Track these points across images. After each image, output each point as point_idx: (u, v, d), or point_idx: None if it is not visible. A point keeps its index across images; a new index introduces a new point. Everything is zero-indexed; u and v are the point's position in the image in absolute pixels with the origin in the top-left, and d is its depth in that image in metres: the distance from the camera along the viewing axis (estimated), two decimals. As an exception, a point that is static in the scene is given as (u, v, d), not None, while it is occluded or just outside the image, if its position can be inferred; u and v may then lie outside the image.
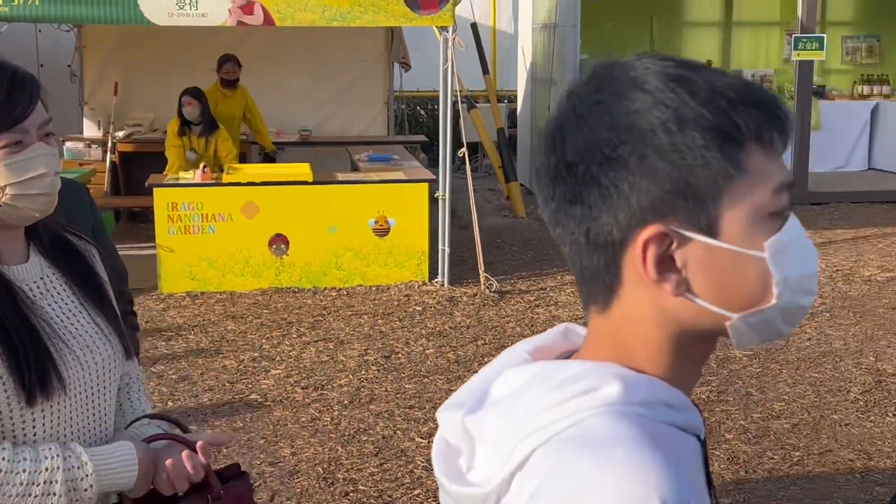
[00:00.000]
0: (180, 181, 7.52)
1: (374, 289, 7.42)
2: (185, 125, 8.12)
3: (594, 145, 0.95)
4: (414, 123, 13.15)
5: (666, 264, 0.95)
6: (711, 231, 0.94)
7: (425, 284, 7.48)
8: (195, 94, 8.09)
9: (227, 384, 5.59)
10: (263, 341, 6.32)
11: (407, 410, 5.17)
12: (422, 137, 11.03)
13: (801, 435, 4.84)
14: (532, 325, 6.56)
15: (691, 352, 1.00)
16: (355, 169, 8.56)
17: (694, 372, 1.02)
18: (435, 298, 7.18)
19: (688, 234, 0.94)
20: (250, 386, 5.57)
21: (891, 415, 5.06)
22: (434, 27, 7.40)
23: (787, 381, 5.54)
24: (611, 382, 0.95)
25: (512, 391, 1.00)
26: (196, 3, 6.94)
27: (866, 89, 12.21)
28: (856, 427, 4.92)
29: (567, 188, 0.97)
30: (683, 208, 0.94)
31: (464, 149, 7.44)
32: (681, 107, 0.94)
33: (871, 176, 11.65)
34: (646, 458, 0.88)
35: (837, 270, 7.81)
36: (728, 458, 4.61)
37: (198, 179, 7.42)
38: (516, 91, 12.41)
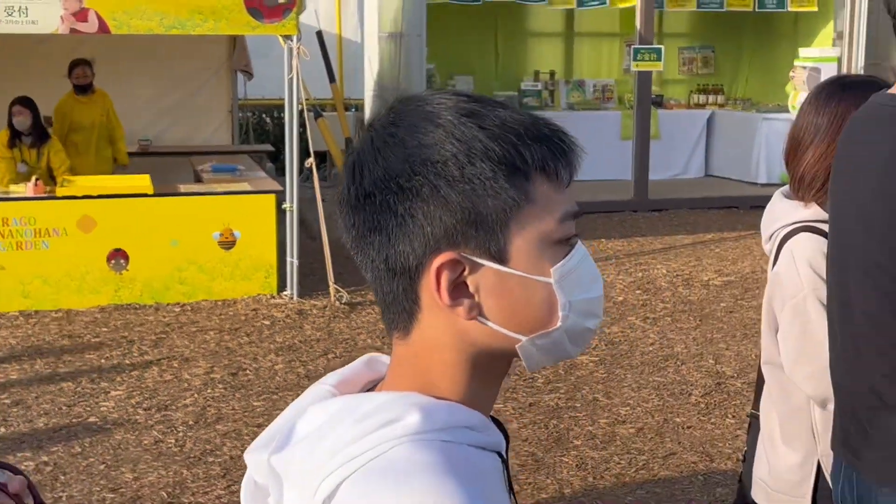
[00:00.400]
0: (11, 195, 7.17)
1: (219, 303, 7.24)
2: (15, 136, 7.74)
3: (390, 176, 1.00)
4: (259, 132, 12.93)
5: (459, 290, 1.00)
6: (501, 258, 1.00)
7: (273, 298, 7.34)
8: (25, 102, 7.72)
9: (65, 407, 5.34)
10: (103, 361, 6.06)
11: (256, 429, 5.03)
12: (268, 147, 10.85)
13: (647, 439, 4.95)
14: (384, 337, 6.51)
15: (488, 373, 1.05)
16: (198, 180, 8.34)
17: (492, 391, 1.07)
18: (284, 312, 7.05)
19: (479, 260, 1.00)
20: (89, 409, 5.33)
21: (730, 416, 5.22)
22: (278, 36, 7.28)
23: (633, 386, 5.66)
24: (411, 412, 0.98)
25: (316, 427, 1.02)
26: (26, 10, 6.63)
27: (702, 98, 12.67)
28: (698, 429, 5.07)
29: (366, 217, 1.02)
30: (474, 236, 1.00)
31: (311, 158, 7.34)
32: (471, 140, 0.99)
33: (709, 182, 12.09)
34: (443, 484, 0.93)
35: (678, 275, 8.06)
36: (577, 465, 4.66)
37: (30, 193, 7.08)
38: (364, 100, 12.36)
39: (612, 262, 8.45)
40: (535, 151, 1.00)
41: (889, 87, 2.28)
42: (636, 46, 10.52)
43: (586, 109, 12.28)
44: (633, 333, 6.62)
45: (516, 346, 1.03)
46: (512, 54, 12.69)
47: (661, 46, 10.75)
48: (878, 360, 2.01)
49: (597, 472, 4.60)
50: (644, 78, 10.63)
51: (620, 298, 7.42)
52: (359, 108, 12.83)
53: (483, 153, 0.99)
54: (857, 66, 10.68)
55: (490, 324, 1.01)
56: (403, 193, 0.99)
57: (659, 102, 12.26)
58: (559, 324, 1.03)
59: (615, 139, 11.94)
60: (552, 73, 12.45)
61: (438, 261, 0.99)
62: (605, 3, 10.69)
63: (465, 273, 1.00)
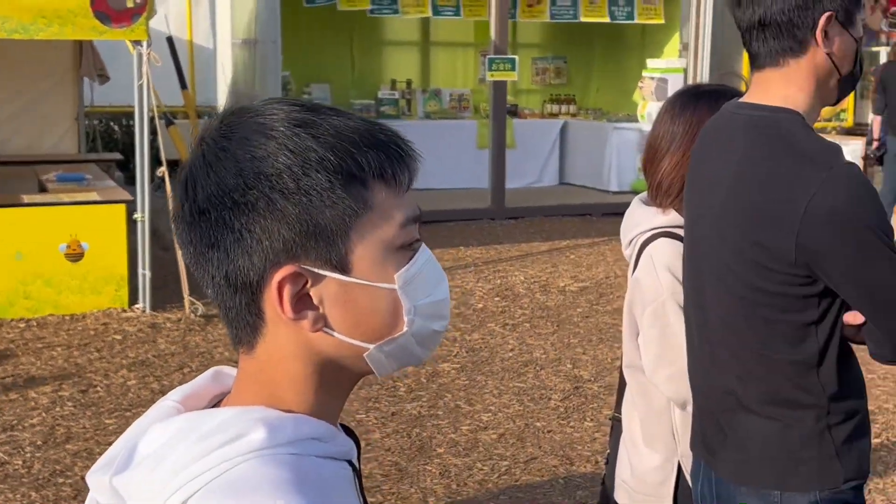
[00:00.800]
0: None
1: (67, 318, 6.95)
2: None
3: (224, 192, 0.98)
4: (108, 141, 12.51)
5: (303, 302, 1.00)
6: (343, 267, 1.00)
7: (125, 311, 7.10)
8: None
9: None
10: (-59, 382, 5.73)
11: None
12: (116, 155, 10.51)
13: (508, 444, 4.98)
14: (240, 349, 6.36)
15: (336, 383, 1.05)
16: (43, 190, 7.99)
17: (341, 400, 1.08)
18: (136, 326, 6.82)
19: (320, 272, 1.00)
20: (-75, 433, 5.03)
21: (589, 420, 5.31)
22: (127, 41, 7.05)
23: (494, 392, 5.70)
24: (256, 427, 0.97)
25: (159, 446, 1.00)
26: None
27: (555, 108, 12.92)
28: (558, 433, 5.13)
29: (202, 233, 1.01)
30: (314, 248, 0.99)
31: (163, 167, 7.13)
32: (305, 151, 0.98)
33: (563, 190, 12.33)
34: (291, 498, 0.93)
35: (535, 282, 8.17)
36: (440, 473, 4.65)
37: None
38: (217, 107, 12.11)
39: (470, 270, 8.51)
40: (372, 158, 1.00)
41: (740, 95, 2.37)
42: (491, 56, 10.64)
43: (443, 118, 12.35)
44: (493, 340, 6.67)
45: (364, 354, 1.03)
46: (369, 63, 12.67)
47: (516, 57, 10.91)
48: (733, 363, 2.06)
49: (460, 480, 4.60)
50: (499, 87, 10.76)
51: (480, 305, 7.47)
52: (212, 115, 12.57)
53: (318, 163, 0.98)
54: (703, 76, 11.08)
55: (336, 334, 1.01)
56: (239, 209, 0.98)
57: (514, 112, 12.44)
58: (405, 329, 1.03)
59: (472, 148, 12.05)
60: (409, 82, 12.48)
61: (279, 275, 0.99)
62: (459, 14, 10.78)
63: (308, 285, 1.00)
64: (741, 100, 2.10)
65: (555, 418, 5.33)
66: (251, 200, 0.97)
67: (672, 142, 2.45)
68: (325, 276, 1.00)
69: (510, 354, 6.39)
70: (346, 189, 0.98)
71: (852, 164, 1.91)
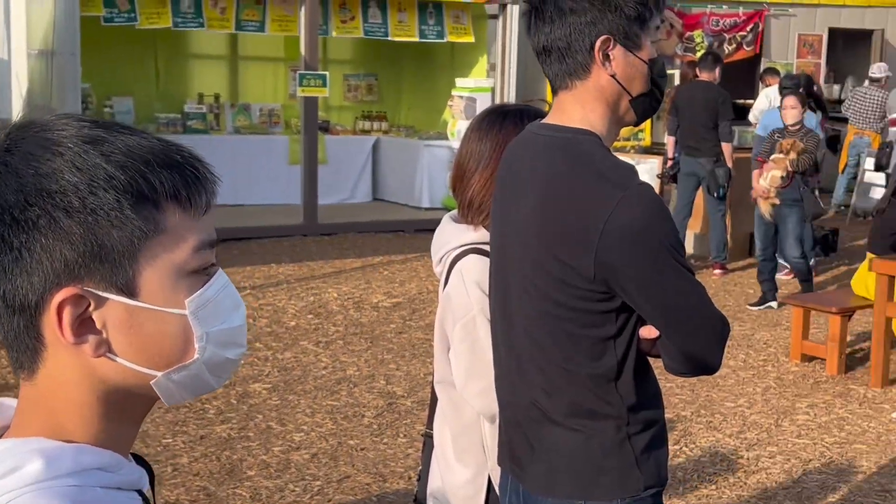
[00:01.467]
0: None
1: None
2: None
3: (3, 208, 0.94)
4: None
5: (85, 326, 0.96)
6: (130, 291, 0.96)
7: None
8: None
9: None
10: None
11: None
12: None
13: (321, 464, 4.93)
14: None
15: (124, 411, 1.01)
16: None
17: (131, 428, 1.04)
18: (-79, 352, 6.39)
19: (105, 294, 0.96)
20: None
21: (402, 436, 5.32)
22: None
23: (306, 412, 5.63)
24: (33, 459, 0.93)
25: None
26: None
27: (367, 125, 12.95)
28: (371, 451, 5.11)
29: None
30: (100, 269, 0.95)
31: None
32: (94, 169, 0.95)
33: (376, 206, 12.36)
34: None
35: (349, 298, 8.14)
36: (251, 496, 4.56)
37: None
38: (11, 120, 11.52)
39: (283, 287, 8.40)
40: (166, 179, 0.97)
41: (543, 115, 2.43)
42: (301, 72, 10.57)
43: (253, 133, 12.18)
44: (305, 358, 6.60)
45: (151, 381, 0.99)
46: (175, 76, 12.35)
47: (327, 73, 10.88)
48: (539, 376, 2.10)
49: (271, 502, 4.52)
50: (310, 103, 10.69)
51: (292, 323, 7.39)
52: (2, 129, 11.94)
53: (107, 182, 0.94)
54: (510, 95, 11.35)
55: (120, 360, 0.97)
56: (18, 226, 0.93)
57: (326, 128, 12.39)
58: (196, 356, 1.00)
59: (283, 164, 11.93)
60: (217, 97, 12.24)
61: (59, 296, 0.94)
62: (263, 30, 10.65)
63: (91, 308, 0.96)
64: (543, 121, 2.15)
65: (368, 436, 5.32)
66: (32, 218, 0.93)
67: (480, 161, 2.49)
68: (109, 299, 0.96)
69: (323, 372, 6.33)
70: (136, 210, 0.95)
71: (646, 184, 1.99)
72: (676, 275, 1.97)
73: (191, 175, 0.99)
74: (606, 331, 2.02)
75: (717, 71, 9.58)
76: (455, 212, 2.62)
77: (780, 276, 9.40)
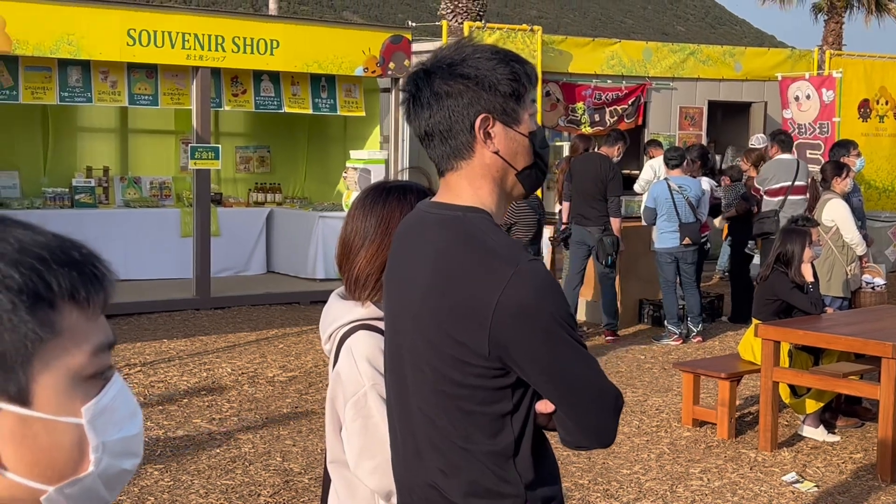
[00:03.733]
0: None
1: None
2: None
3: None
4: None
5: None
6: (23, 399, 0.89)
7: None
8: None
9: None
10: None
11: None
12: None
13: (216, 546, 4.80)
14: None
15: None
16: None
17: None
18: None
19: None
20: None
21: (299, 513, 5.22)
22: None
23: (200, 492, 5.49)
24: None
25: None
26: None
27: (261, 196, 12.88)
28: (268, 530, 5.00)
29: None
30: None
31: None
32: None
33: (270, 278, 12.25)
34: None
35: (243, 373, 8.01)
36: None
37: None
38: None
39: (175, 363, 8.22)
40: (63, 278, 0.91)
41: (426, 189, 2.47)
42: (193, 145, 10.49)
43: (144, 206, 12.00)
44: (199, 437, 6.45)
45: (41, 497, 0.92)
46: (62, 149, 12.11)
47: (219, 145, 10.82)
48: (436, 457, 2.10)
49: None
50: (202, 176, 10.61)
51: (185, 400, 7.23)
52: None
53: (0, 282, 0.88)
54: (403, 166, 11.45)
55: (9, 475, 0.90)
56: None
57: (218, 200, 12.29)
58: (91, 468, 0.94)
59: (175, 237, 11.76)
60: (106, 170, 12.04)
61: None
62: (156, 103, 10.57)
63: None
64: (433, 199, 2.19)
65: (264, 515, 5.21)
66: None
67: (365, 237, 2.52)
68: (0, 409, 0.89)
69: (217, 451, 6.20)
70: (32, 311, 0.89)
71: (536, 260, 2.03)
72: (569, 349, 2.01)
73: (89, 273, 0.94)
74: (503, 407, 2.04)
75: (618, 147, 9.89)
76: (342, 289, 2.63)
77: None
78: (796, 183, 10.52)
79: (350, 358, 2.47)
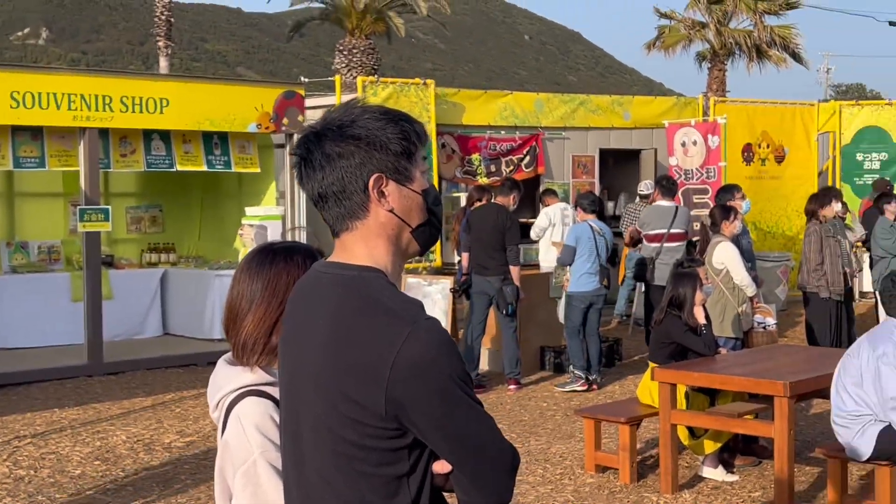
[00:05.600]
0: None
1: None
2: None
3: None
4: None
5: None
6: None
7: None
8: None
9: None
10: None
11: None
12: None
13: None
14: None
15: None
16: None
17: None
18: None
19: None
20: None
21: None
22: None
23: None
24: None
25: None
26: None
27: (154, 257, 12.63)
28: None
29: None
30: None
31: None
32: None
33: (166, 341, 11.98)
34: None
35: (138, 440, 7.78)
36: None
37: None
38: None
39: (67, 433, 7.94)
40: None
41: (312, 250, 2.49)
42: (82, 207, 10.25)
43: (32, 272, 11.64)
44: (92, 509, 6.22)
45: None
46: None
47: (109, 207, 10.59)
48: (332, 519, 2.06)
49: None
50: (92, 238, 10.36)
51: (78, 472, 6.97)
52: None
53: None
54: (300, 222, 11.37)
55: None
56: None
57: (110, 262, 12.00)
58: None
59: (65, 301, 11.43)
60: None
61: None
62: (44, 165, 10.30)
63: None
64: (329, 259, 2.16)
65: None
66: None
67: (252, 301, 2.48)
68: None
69: (112, 523, 5.98)
70: None
71: (434, 319, 2.02)
72: (466, 408, 2.00)
73: None
74: (399, 468, 2.01)
75: (513, 197, 9.97)
76: (229, 354, 2.57)
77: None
78: (672, 230, 10.78)
79: (238, 426, 2.41)
